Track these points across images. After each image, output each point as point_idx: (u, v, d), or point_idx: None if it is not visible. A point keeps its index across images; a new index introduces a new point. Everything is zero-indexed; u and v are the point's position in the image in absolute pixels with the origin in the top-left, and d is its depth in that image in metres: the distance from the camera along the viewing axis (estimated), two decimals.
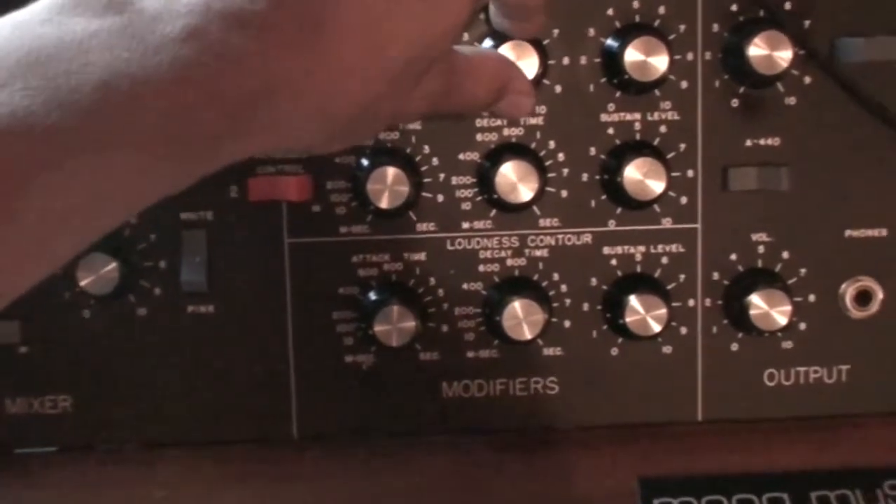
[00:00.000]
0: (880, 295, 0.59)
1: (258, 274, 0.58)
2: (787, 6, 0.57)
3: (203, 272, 0.57)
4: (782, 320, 0.57)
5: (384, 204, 0.55)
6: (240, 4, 0.36)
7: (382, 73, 0.39)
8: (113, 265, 0.56)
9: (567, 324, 0.59)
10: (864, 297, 0.59)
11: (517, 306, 0.57)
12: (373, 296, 0.58)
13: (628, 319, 0.57)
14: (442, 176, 0.58)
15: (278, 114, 0.37)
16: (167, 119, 0.35)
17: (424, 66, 0.41)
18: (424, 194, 0.58)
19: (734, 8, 0.57)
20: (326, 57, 0.37)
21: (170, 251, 0.57)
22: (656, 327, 0.57)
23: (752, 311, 0.57)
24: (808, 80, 0.58)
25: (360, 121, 0.41)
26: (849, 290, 0.59)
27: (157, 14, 0.36)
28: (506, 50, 0.55)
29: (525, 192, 0.56)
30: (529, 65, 0.55)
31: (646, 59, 0.55)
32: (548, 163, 0.58)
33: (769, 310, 0.57)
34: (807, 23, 0.57)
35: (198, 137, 0.36)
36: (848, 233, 0.59)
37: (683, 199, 0.59)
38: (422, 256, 0.58)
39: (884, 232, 0.59)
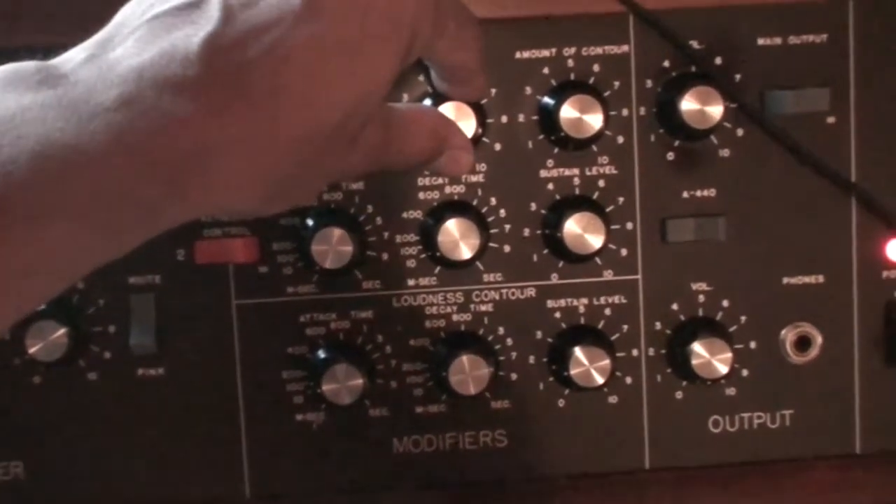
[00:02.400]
0: (819, 340, 0.61)
1: (207, 335, 0.59)
2: (718, 61, 0.59)
3: (152, 335, 0.58)
4: (723, 369, 0.58)
5: (329, 264, 0.56)
6: (173, 70, 0.37)
7: (316, 134, 0.40)
8: (62, 331, 0.56)
9: (514, 377, 0.60)
10: (803, 343, 0.61)
11: (463, 361, 0.57)
12: (321, 354, 0.59)
13: (573, 371, 0.58)
14: (386, 234, 0.59)
15: (215, 177, 0.38)
16: (102, 186, 0.36)
17: (358, 124, 0.42)
18: (369, 253, 0.59)
19: (666, 64, 0.59)
20: (259, 120, 0.38)
21: (119, 315, 0.58)
22: (599, 379, 0.58)
23: (695, 361, 0.58)
24: (740, 132, 0.59)
25: (299, 181, 0.42)
26: (789, 336, 0.61)
27: (91, 85, 0.37)
28: (445, 110, 0.56)
29: (466, 251, 0.57)
30: (468, 124, 0.56)
31: (581, 116, 0.57)
32: (490, 219, 0.59)
33: (710, 359, 0.58)
34: (737, 77, 0.59)
35: (134, 203, 0.37)
36: (785, 280, 0.61)
37: (624, 252, 0.60)
38: (368, 314, 0.59)
39: (820, 278, 0.60)
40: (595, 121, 0.57)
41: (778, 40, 0.59)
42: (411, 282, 0.59)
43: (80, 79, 0.37)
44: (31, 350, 0.56)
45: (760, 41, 0.59)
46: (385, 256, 0.59)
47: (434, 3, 0.44)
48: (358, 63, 0.41)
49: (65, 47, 0.40)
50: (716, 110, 0.57)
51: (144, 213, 0.38)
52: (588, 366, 0.58)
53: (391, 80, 0.42)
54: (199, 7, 0.39)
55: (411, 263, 0.59)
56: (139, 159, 0.36)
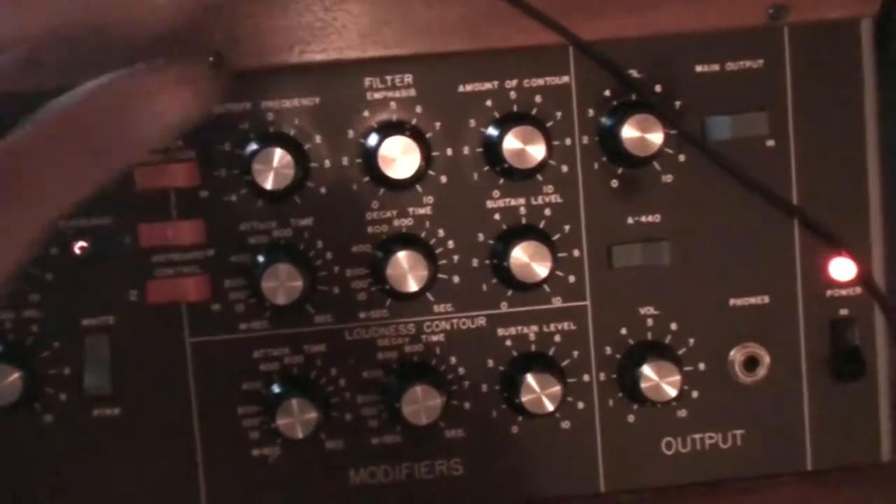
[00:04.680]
0: (767, 360, 0.61)
1: (162, 374, 0.59)
2: (658, 89, 0.60)
3: (107, 376, 0.58)
4: (672, 392, 0.59)
5: (280, 300, 0.57)
6: None
7: None
8: (16, 375, 0.57)
9: (467, 405, 0.61)
10: (751, 363, 0.62)
11: (416, 391, 0.58)
12: (275, 389, 0.59)
13: (524, 398, 0.59)
14: (336, 269, 0.60)
15: None
16: None
17: None
18: (320, 287, 0.59)
19: (607, 93, 0.60)
20: None
21: (73, 357, 0.59)
22: (550, 406, 0.59)
23: (643, 384, 0.59)
24: (682, 157, 0.60)
25: None
26: (737, 357, 0.61)
27: None
28: (388, 143, 0.57)
29: (413, 283, 0.58)
30: (412, 157, 0.57)
31: (524, 147, 0.58)
32: (438, 250, 0.60)
33: (659, 381, 0.59)
34: (677, 103, 0.60)
35: None
36: (732, 301, 0.62)
37: (572, 278, 0.61)
38: (321, 348, 0.60)
39: (766, 299, 0.62)
40: (538, 151, 0.58)
41: (716, 67, 0.60)
42: (363, 314, 0.60)
43: None
44: None
45: (698, 68, 0.60)
46: (336, 290, 0.60)
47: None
48: None
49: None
50: (656, 137, 0.58)
51: None
52: (539, 392, 0.59)
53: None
54: None
55: (362, 297, 0.60)
56: None
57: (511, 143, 0.58)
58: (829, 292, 0.62)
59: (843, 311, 0.62)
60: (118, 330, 0.59)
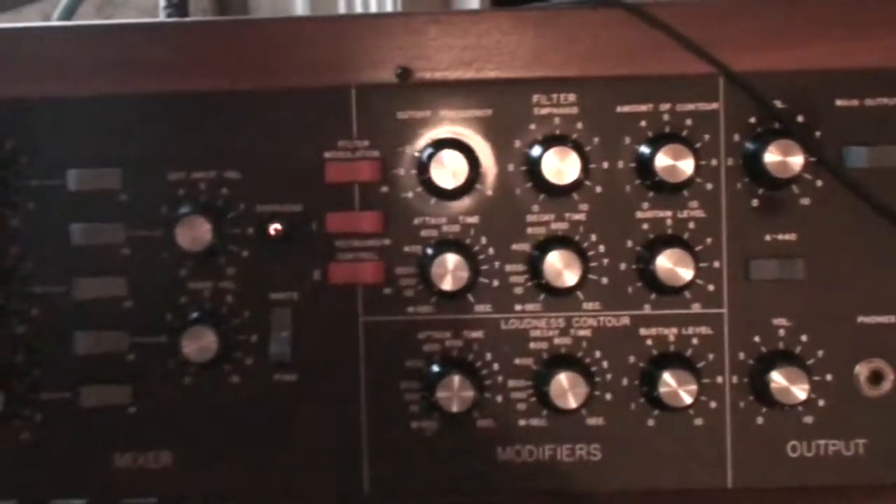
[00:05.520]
0: (892, 375, 0.66)
1: (336, 347, 0.67)
2: (800, 119, 0.66)
3: (288, 345, 0.66)
4: (801, 395, 0.64)
5: (446, 286, 0.64)
6: None
7: None
8: (212, 338, 0.64)
9: (608, 396, 0.66)
10: (877, 377, 0.66)
11: (563, 379, 0.64)
12: (436, 368, 0.66)
13: (662, 390, 0.64)
14: (497, 263, 0.66)
15: None
16: None
17: None
18: (481, 280, 0.66)
19: (752, 120, 0.66)
20: None
21: (260, 327, 0.66)
22: (687, 399, 0.64)
23: (773, 385, 0.64)
24: (819, 182, 0.66)
25: None
26: (863, 371, 0.66)
27: None
28: (551, 154, 0.64)
29: (570, 277, 0.64)
30: (573, 169, 0.64)
31: (674, 163, 0.64)
32: (590, 253, 0.66)
33: (789, 385, 0.64)
34: (817, 133, 0.66)
35: None
36: (860, 319, 0.66)
37: (711, 287, 0.66)
38: (479, 334, 0.67)
39: (893, 319, 0.66)
40: (687, 167, 0.64)
41: (855, 102, 0.66)
42: (518, 307, 0.66)
43: None
44: (186, 350, 0.64)
45: (839, 102, 0.66)
46: (495, 283, 0.66)
47: None
48: None
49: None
50: (796, 161, 0.64)
51: None
52: (676, 388, 0.64)
53: None
54: None
55: (518, 290, 0.66)
56: None
57: (662, 160, 0.64)
58: None
59: None
60: (301, 305, 0.66)
